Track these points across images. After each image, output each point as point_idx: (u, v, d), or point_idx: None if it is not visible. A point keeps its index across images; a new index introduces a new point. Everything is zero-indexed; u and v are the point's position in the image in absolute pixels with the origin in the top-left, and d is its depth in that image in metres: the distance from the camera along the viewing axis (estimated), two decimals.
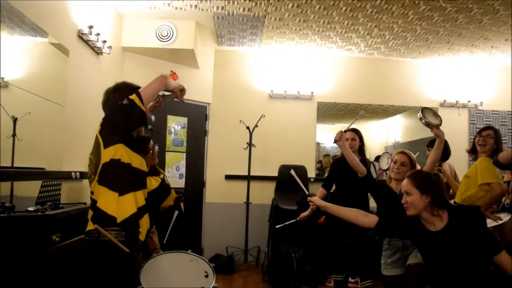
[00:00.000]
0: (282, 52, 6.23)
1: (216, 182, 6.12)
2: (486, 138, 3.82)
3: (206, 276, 2.66)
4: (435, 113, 3.39)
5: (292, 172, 3.22)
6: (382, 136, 9.75)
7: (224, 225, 6.06)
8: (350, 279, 5.12)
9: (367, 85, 6.49)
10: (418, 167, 3.65)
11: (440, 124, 3.31)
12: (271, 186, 6.01)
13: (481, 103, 6.59)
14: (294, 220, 3.06)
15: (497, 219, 3.58)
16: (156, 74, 2.45)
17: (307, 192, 3.02)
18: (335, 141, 3.48)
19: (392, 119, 8.81)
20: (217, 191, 6.12)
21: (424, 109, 3.35)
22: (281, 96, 6.26)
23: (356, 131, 4.21)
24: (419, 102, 6.54)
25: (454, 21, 4.82)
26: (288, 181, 5.91)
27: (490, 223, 3.71)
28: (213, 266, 2.76)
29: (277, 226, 3.64)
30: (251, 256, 5.96)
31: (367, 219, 2.71)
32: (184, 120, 5.73)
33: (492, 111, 6.62)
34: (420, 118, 3.29)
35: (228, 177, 6.13)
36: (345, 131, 3.55)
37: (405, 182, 2.62)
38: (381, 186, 3.51)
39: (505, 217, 3.68)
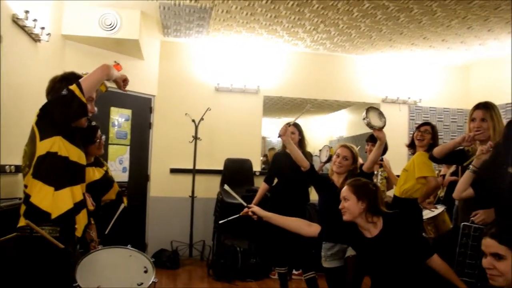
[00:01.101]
0: (229, 45, 6.19)
1: (161, 176, 6.02)
2: (424, 133, 4.00)
3: (146, 272, 2.61)
4: (380, 114, 3.34)
5: (226, 187, 3.18)
6: (327, 131, 9.95)
7: (169, 219, 5.97)
8: (293, 271, 5.24)
9: (313, 80, 6.58)
10: (360, 161, 3.75)
11: (383, 127, 3.28)
12: (216, 180, 5.99)
13: (420, 100, 6.85)
14: (237, 216, 3.04)
15: (432, 208, 3.77)
16: (99, 64, 2.35)
17: (245, 204, 2.99)
18: (280, 136, 3.49)
19: (336, 114, 9.01)
20: (161, 185, 6.02)
21: (369, 109, 3.31)
22: (228, 89, 6.23)
23: (295, 125, 4.25)
24: (363, 98, 6.73)
25: (396, 20, 4.97)
26: (233, 174, 5.94)
27: (426, 214, 3.89)
28: (153, 261, 2.70)
29: (220, 222, 3.62)
30: (196, 250, 5.92)
31: (310, 229, 2.75)
32: (128, 112, 5.58)
33: (430, 107, 6.91)
34: (364, 118, 3.26)
35: (173, 171, 6.04)
36: (289, 125, 3.56)
37: (344, 188, 2.70)
38: (323, 179, 3.57)
39: (439, 208, 3.86)
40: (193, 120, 5.81)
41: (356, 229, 2.68)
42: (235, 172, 5.96)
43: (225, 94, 6.25)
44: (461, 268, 2.68)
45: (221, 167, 5.99)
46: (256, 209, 2.87)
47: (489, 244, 1.92)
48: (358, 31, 5.41)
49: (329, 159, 4.96)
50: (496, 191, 2.56)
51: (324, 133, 10.02)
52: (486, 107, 2.89)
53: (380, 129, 3.26)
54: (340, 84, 6.68)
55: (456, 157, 3.05)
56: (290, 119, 5.08)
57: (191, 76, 6.19)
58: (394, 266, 2.58)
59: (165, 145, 6.02)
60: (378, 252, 2.61)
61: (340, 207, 2.66)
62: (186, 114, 5.82)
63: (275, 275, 4.88)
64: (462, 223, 2.77)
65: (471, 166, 2.70)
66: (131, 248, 2.79)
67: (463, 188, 2.75)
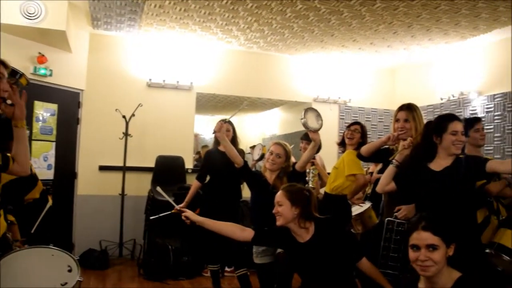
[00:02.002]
0: (162, 40, 6.08)
1: (89, 173, 5.80)
2: (354, 132, 4.16)
3: (70, 271, 2.49)
4: (318, 116, 3.36)
5: (159, 189, 3.13)
6: (260, 129, 10.07)
7: (98, 218, 5.76)
8: (226, 268, 5.25)
9: (247, 78, 6.61)
10: (293, 159, 3.82)
11: (319, 129, 3.32)
12: (147, 177, 5.86)
13: (350, 100, 7.10)
14: (169, 212, 3.00)
15: (361, 203, 3.93)
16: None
17: (177, 208, 2.96)
18: (214, 132, 3.47)
19: (269, 112, 9.13)
20: (90, 182, 5.79)
21: (308, 110, 3.33)
22: (160, 85, 6.11)
23: (229, 123, 4.26)
24: (295, 97, 6.87)
25: (328, 22, 5.11)
26: (165, 172, 5.84)
27: (354, 210, 4.04)
28: (77, 259, 2.59)
29: (151, 218, 3.55)
30: (127, 249, 5.77)
31: (243, 233, 2.75)
32: (53, 106, 5.32)
33: (359, 107, 7.18)
34: (301, 118, 3.28)
35: (102, 168, 5.84)
36: (225, 122, 3.55)
37: (279, 193, 2.72)
38: (256, 176, 3.60)
39: (366, 205, 4.03)
40: (124, 116, 5.64)
41: (288, 233, 2.72)
42: (167, 170, 5.87)
43: (157, 90, 6.13)
44: (385, 261, 2.81)
45: (152, 164, 5.87)
46: (189, 214, 2.83)
47: (424, 237, 2.02)
48: (291, 31, 5.50)
49: (262, 157, 5.01)
50: (415, 186, 2.72)
51: (257, 131, 10.14)
52: (409, 109, 3.06)
53: (316, 131, 3.30)
54: (273, 83, 6.77)
55: (382, 155, 3.19)
56: (223, 117, 5.09)
57: (122, 70, 6.01)
58: (324, 270, 2.65)
59: (94, 142, 5.80)
60: (309, 257, 2.66)
61: (274, 211, 2.68)
62: (116, 109, 5.64)
63: (208, 273, 4.86)
64: (387, 218, 2.92)
65: (394, 161, 2.84)
66: (53, 247, 2.66)
67: (386, 181, 2.88)
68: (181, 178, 5.91)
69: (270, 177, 3.49)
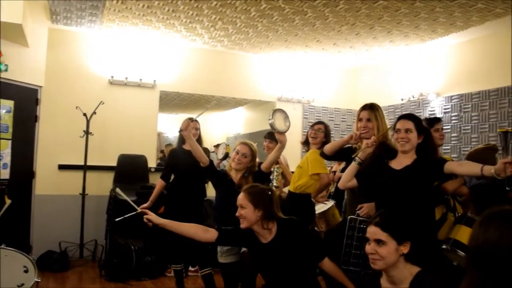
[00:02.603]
0: (125, 37, 5.97)
1: (48, 173, 5.62)
2: (317, 131, 4.21)
3: (26, 271, 2.42)
4: (286, 117, 3.32)
5: (118, 190, 3.07)
6: (224, 128, 10.04)
7: (57, 219, 5.59)
8: (190, 268, 5.21)
9: (211, 76, 6.58)
10: (258, 160, 3.83)
11: (286, 131, 3.31)
12: (109, 176, 5.74)
13: (313, 99, 7.18)
14: (135, 213, 2.95)
15: (324, 201, 3.98)
16: None
17: (138, 210, 2.91)
18: (181, 130, 3.44)
19: (234, 111, 9.12)
20: (49, 182, 5.62)
21: (276, 111, 3.30)
22: (122, 82, 5.99)
23: (196, 121, 4.23)
24: (259, 96, 6.89)
25: (291, 22, 5.14)
26: (127, 171, 5.75)
27: (318, 209, 4.09)
28: (34, 260, 2.51)
29: (116, 220, 3.48)
30: (88, 250, 5.63)
31: (207, 235, 2.73)
32: (10, 103, 5.12)
33: (322, 107, 7.27)
34: (269, 119, 3.24)
35: (62, 167, 5.68)
36: (192, 120, 3.52)
37: (241, 195, 2.71)
38: (221, 175, 3.60)
39: (329, 203, 4.09)
40: (85, 114, 5.50)
41: (252, 233, 2.73)
42: (130, 168, 5.77)
43: (119, 87, 6.01)
44: (348, 259, 2.86)
45: (114, 163, 5.75)
46: (152, 217, 2.77)
47: (373, 231, 2.12)
48: (255, 30, 5.51)
49: (226, 156, 5.01)
50: (376, 184, 2.79)
51: (221, 130, 10.10)
52: (371, 108, 3.12)
53: (283, 133, 3.29)
54: (237, 81, 6.77)
55: (345, 154, 3.24)
56: (187, 115, 5.04)
57: (83, 67, 5.85)
58: (286, 271, 2.67)
59: (53, 140, 5.63)
60: (271, 257, 2.68)
61: (237, 214, 2.68)
62: (77, 107, 5.49)
63: (171, 273, 4.81)
64: (349, 216, 2.97)
65: (356, 158, 2.89)
66: (6, 248, 2.57)
67: (348, 178, 2.93)
68: (144, 177, 5.83)
69: (235, 176, 3.49)
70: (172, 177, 4.40)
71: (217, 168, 4.15)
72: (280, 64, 6.98)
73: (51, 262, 5.12)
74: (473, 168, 2.45)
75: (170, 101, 7.54)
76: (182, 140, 4.22)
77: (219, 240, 2.75)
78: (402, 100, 6.50)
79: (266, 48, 6.37)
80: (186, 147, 4.06)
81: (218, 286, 3.96)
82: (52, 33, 5.66)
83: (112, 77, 5.94)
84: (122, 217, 3.05)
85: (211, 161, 3.55)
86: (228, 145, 5.18)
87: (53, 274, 4.96)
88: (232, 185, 3.44)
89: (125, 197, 2.96)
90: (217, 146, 5.34)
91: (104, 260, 5.27)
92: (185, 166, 4.16)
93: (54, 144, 5.64)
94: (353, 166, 2.91)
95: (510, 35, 4.89)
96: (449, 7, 4.50)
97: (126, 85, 6.03)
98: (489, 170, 2.26)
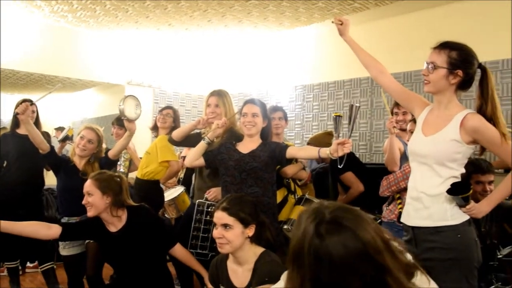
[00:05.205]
0: None
1: None
2: (166, 116, 4.18)
3: None
4: (138, 105, 3.32)
5: None
6: (70, 111, 9.39)
7: None
8: (28, 264, 4.79)
9: (54, 55, 6.02)
10: (104, 146, 3.67)
11: (136, 119, 3.29)
12: None
13: (164, 84, 7.03)
14: None
15: (174, 186, 3.98)
16: None
17: None
18: (17, 114, 3.13)
19: (81, 93, 8.57)
20: None
21: (128, 97, 3.27)
22: None
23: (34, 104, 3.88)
24: (107, 78, 6.55)
25: (143, 3, 4.95)
26: None
27: (168, 195, 4.07)
28: None
29: None
30: None
31: (49, 231, 2.56)
32: None
33: (174, 92, 7.18)
34: (120, 105, 3.20)
35: None
36: (31, 103, 3.21)
37: (88, 182, 2.61)
38: (63, 162, 3.40)
39: (179, 189, 4.11)
40: None
41: (99, 223, 2.64)
42: None
43: None
44: (196, 242, 2.93)
45: None
46: None
47: (220, 216, 2.18)
48: (103, 8, 5.18)
49: (66, 139, 4.67)
50: (223, 166, 2.87)
51: (66, 114, 9.43)
52: (219, 95, 3.19)
53: (132, 121, 3.25)
54: (83, 62, 6.31)
55: (194, 139, 3.25)
56: (24, 96, 4.58)
57: None
58: (136, 258, 2.64)
59: None
60: (121, 245, 2.62)
61: (83, 202, 2.57)
62: None
63: (4, 272, 4.35)
64: (197, 200, 3.02)
65: (206, 138, 2.92)
66: None
67: (195, 156, 2.94)
68: None
69: (79, 162, 3.34)
70: (5, 164, 3.95)
71: (60, 154, 3.88)
72: (130, 47, 6.68)
73: None
74: (312, 152, 2.69)
75: (4, 80, 6.79)
76: (16, 123, 3.81)
77: (63, 236, 2.60)
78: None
79: (115, 28, 6.04)
80: (20, 131, 3.71)
81: (61, 281, 3.73)
82: None
83: None
84: None
85: (52, 148, 3.30)
86: (72, 128, 4.85)
87: None
88: (76, 172, 3.27)
89: None
90: (58, 129, 4.97)
91: None
92: (19, 152, 3.78)
93: None
94: (201, 144, 2.91)
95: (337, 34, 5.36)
96: (295, 3, 4.76)
97: None
98: (324, 151, 2.48)
